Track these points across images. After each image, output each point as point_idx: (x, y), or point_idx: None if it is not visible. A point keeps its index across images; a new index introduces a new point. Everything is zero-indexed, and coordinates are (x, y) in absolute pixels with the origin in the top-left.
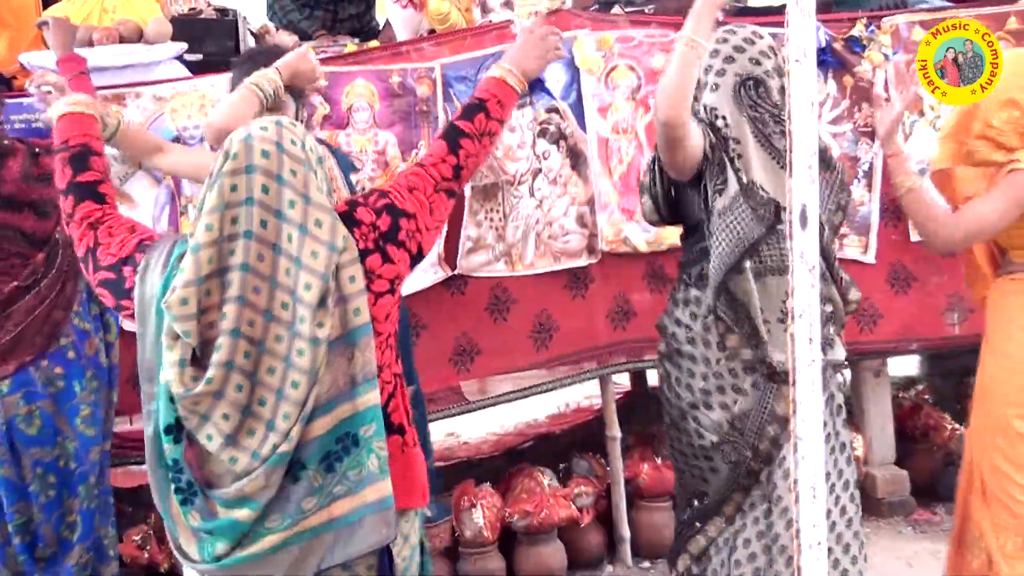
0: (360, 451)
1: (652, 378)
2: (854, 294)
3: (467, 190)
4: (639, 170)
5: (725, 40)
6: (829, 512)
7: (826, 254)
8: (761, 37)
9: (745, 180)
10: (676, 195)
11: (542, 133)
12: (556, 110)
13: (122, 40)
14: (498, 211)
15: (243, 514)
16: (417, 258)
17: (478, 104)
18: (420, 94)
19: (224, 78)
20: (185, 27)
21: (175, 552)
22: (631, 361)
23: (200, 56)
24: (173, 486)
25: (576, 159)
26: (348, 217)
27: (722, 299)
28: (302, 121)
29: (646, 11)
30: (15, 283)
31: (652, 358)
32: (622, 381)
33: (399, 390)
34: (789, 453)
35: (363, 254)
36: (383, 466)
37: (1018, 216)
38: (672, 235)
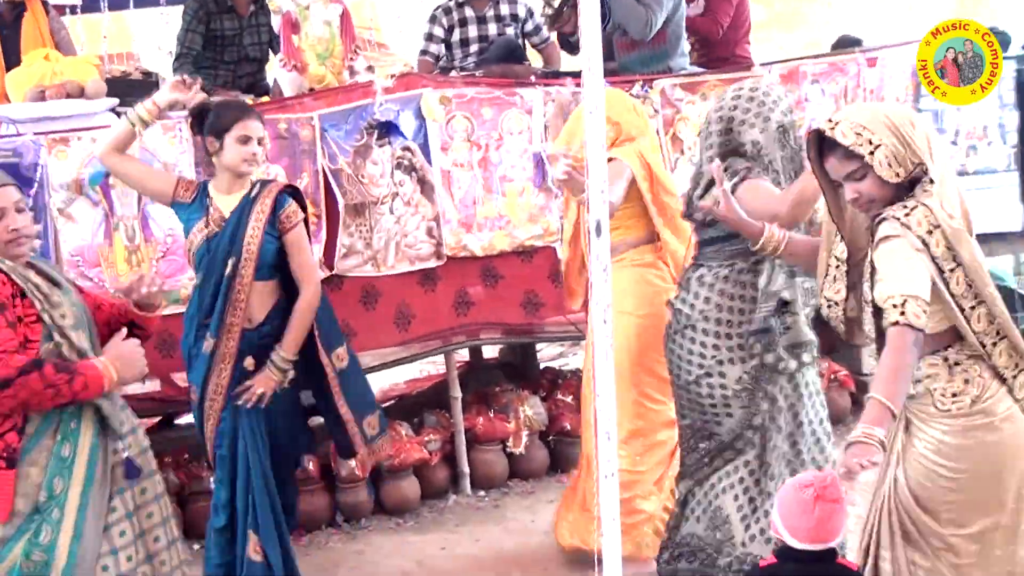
0: None
1: (487, 352)
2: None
3: (340, 208)
4: (474, 195)
5: (767, 94)
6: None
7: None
8: (783, 97)
9: None
10: None
11: (398, 166)
12: (409, 148)
13: (68, 96)
14: (365, 225)
15: None
16: None
17: (72, 370)
18: (303, 137)
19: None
20: (117, 86)
21: None
22: (469, 340)
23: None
24: None
25: (424, 186)
26: None
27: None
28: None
29: (476, 74)
30: None
31: (486, 336)
32: (463, 354)
33: None
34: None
35: None
36: None
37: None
38: (501, 243)
